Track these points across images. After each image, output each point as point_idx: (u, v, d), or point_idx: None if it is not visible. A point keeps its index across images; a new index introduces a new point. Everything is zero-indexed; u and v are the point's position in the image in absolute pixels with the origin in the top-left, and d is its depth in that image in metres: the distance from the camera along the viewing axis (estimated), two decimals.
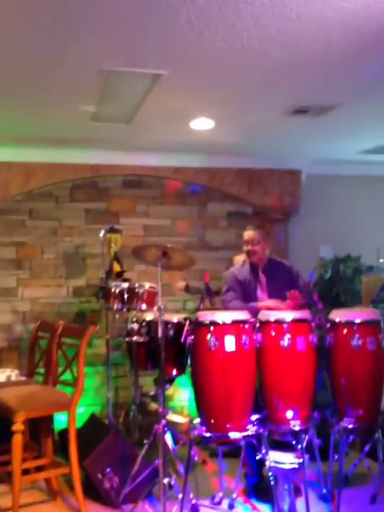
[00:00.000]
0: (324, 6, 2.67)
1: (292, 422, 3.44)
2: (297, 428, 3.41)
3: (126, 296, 4.41)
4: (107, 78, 3.53)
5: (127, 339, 4.45)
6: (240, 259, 4.94)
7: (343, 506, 3.53)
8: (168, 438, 3.61)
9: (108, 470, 3.83)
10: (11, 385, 4.16)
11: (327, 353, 3.67)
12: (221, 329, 3.42)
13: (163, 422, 3.57)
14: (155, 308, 4.05)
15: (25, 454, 3.87)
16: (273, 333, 3.51)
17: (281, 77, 3.60)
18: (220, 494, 3.88)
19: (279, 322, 3.51)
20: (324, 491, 3.82)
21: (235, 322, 3.45)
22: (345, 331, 3.61)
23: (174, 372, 4.15)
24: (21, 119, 4.44)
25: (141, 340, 4.33)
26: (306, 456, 3.45)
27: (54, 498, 3.92)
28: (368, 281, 5.35)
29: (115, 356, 5.29)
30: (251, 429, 3.40)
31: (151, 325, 4.32)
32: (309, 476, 3.69)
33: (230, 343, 3.39)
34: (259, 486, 3.90)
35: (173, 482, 3.52)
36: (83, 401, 4.74)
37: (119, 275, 4.67)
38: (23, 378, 4.42)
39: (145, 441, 3.78)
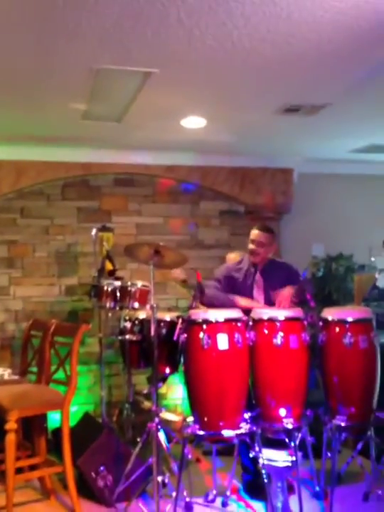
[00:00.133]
0: (315, 5, 2.68)
1: (285, 420, 3.43)
2: (290, 426, 3.41)
3: (118, 294, 4.40)
4: (97, 76, 3.53)
5: (120, 337, 4.46)
6: (232, 256, 4.95)
7: (335, 504, 3.54)
8: (161, 436, 3.61)
9: (102, 468, 3.83)
10: (3, 384, 4.14)
11: (319, 351, 3.67)
12: (214, 327, 3.42)
13: (157, 420, 3.57)
14: (147, 306, 4.05)
15: (19, 453, 3.88)
16: (266, 331, 3.50)
17: (272, 76, 3.61)
18: (214, 492, 3.89)
19: (271, 320, 3.51)
20: (317, 488, 3.83)
21: (228, 320, 3.46)
22: (337, 329, 3.62)
23: (167, 370, 4.15)
24: (12, 117, 4.43)
25: (134, 338, 4.34)
26: (299, 454, 3.45)
27: (48, 496, 3.92)
28: (360, 279, 5.38)
29: (108, 355, 5.29)
30: (244, 427, 3.40)
31: (144, 323, 4.33)
32: (302, 473, 3.69)
33: (222, 341, 3.40)
34: (252, 484, 3.90)
35: (166, 480, 3.53)
36: (76, 400, 4.72)
37: (112, 274, 4.66)
38: (16, 377, 4.40)
39: (138, 440, 3.79)
